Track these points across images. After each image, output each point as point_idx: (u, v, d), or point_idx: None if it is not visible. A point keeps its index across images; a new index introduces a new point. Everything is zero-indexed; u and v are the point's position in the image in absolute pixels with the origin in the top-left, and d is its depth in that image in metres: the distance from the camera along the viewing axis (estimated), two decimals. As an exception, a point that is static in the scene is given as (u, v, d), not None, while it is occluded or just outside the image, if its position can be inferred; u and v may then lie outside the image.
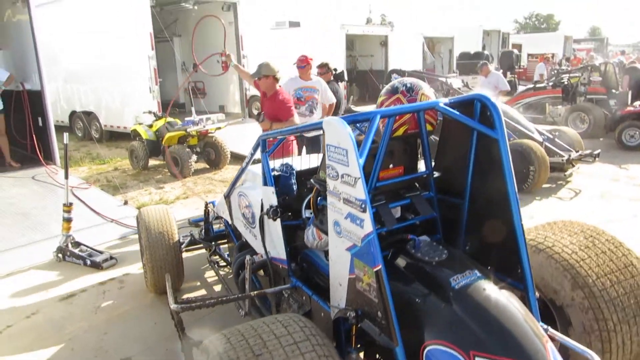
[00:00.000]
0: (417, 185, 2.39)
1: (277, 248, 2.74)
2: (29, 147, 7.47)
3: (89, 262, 4.57)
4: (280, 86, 4.90)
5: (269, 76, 4.75)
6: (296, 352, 1.80)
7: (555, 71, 14.50)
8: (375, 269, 1.77)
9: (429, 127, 2.24)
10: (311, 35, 15.10)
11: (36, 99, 7.29)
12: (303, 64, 6.04)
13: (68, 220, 4.74)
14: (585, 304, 2.21)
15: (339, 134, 1.83)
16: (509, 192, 2.05)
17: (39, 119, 7.32)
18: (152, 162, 8.86)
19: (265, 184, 2.73)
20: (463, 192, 2.30)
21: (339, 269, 2.04)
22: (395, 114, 2.07)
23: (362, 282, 1.88)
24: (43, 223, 5.44)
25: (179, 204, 6.62)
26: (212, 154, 8.67)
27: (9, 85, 7.26)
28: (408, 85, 2.23)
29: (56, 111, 12.51)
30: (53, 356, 3.20)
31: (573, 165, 6.98)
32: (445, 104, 2.11)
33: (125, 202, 6.20)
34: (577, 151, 7.04)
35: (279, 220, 2.63)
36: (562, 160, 6.71)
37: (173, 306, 2.47)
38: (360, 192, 1.78)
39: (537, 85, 12.24)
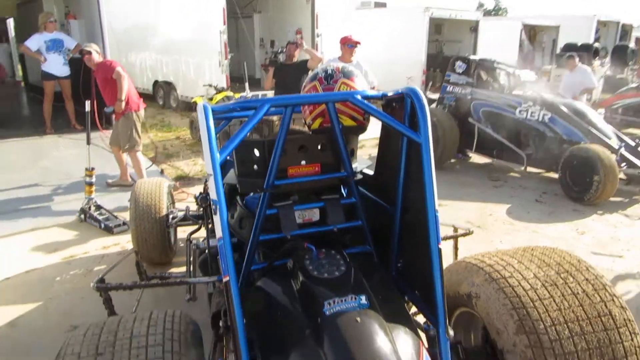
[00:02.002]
0: (357, 186, 2.08)
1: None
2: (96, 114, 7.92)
3: (102, 226, 4.73)
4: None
5: (89, 53, 5.49)
6: (141, 356, 1.62)
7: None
8: (224, 280, 1.52)
9: (349, 122, 1.91)
10: (393, 17, 14.51)
11: (101, 67, 7.67)
12: (352, 43, 5.71)
13: (89, 184, 4.94)
14: (527, 354, 1.78)
15: (200, 121, 1.58)
16: (427, 206, 1.68)
17: (103, 85, 7.71)
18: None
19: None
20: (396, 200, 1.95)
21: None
22: (289, 104, 1.75)
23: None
24: (81, 185, 5.72)
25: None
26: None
27: (76, 52, 7.71)
28: (329, 71, 1.92)
29: (142, 80, 13.34)
30: (27, 313, 3.33)
31: (655, 180, 6.00)
32: (365, 97, 1.77)
33: (162, 172, 6.36)
34: (662, 164, 6.02)
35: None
36: (639, 172, 5.78)
37: (91, 284, 2.41)
38: (213, 190, 1.53)
39: (642, 85, 10.73)
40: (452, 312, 2.31)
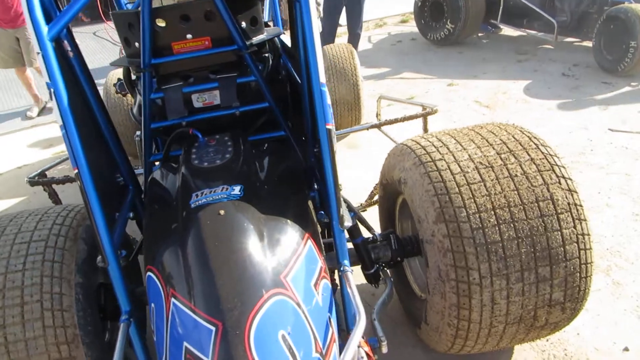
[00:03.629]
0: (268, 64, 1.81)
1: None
2: (99, 3, 7.65)
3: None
4: None
5: None
6: (21, 252, 1.57)
7: None
8: (74, 172, 1.38)
9: None
10: None
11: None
12: None
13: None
14: (445, 243, 1.59)
15: None
16: (311, 79, 1.41)
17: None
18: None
19: None
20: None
21: None
22: None
23: None
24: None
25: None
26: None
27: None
28: None
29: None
30: (9, 207, 3.44)
31: None
32: None
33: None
34: None
35: None
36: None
37: (25, 179, 2.37)
38: (44, 71, 1.34)
39: None
40: (394, 200, 2.13)
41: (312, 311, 1.29)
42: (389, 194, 2.10)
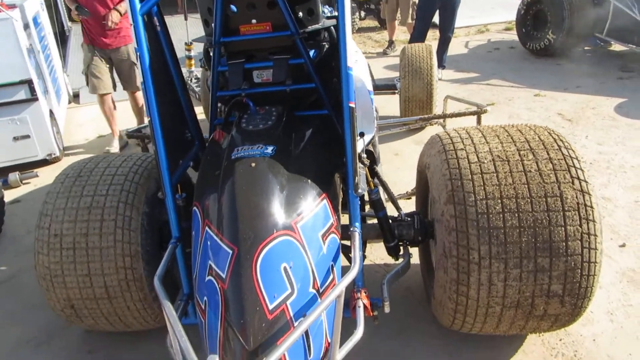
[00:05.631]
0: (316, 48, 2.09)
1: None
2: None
3: (197, 96, 5.28)
4: None
5: None
6: (107, 181, 1.99)
7: None
8: (146, 121, 1.75)
9: None
10: None
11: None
12: None
13: (189, 58, 5.46)
14: (451, 223, 1.76)
15: None
16: (341, 63, 1.65)
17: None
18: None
19: None
20: None
21: None
22: None
23: None
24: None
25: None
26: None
27: None
28: None
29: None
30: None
31: None
32: None
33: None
34: None
35: None
36: None
37: (124, 133, 2.85)
38: (134, 39, 1.71)
39: None
40: (426, 184, 2.29)
41: (314, 255, 1.54)
42: (421, 179, 2.28)
